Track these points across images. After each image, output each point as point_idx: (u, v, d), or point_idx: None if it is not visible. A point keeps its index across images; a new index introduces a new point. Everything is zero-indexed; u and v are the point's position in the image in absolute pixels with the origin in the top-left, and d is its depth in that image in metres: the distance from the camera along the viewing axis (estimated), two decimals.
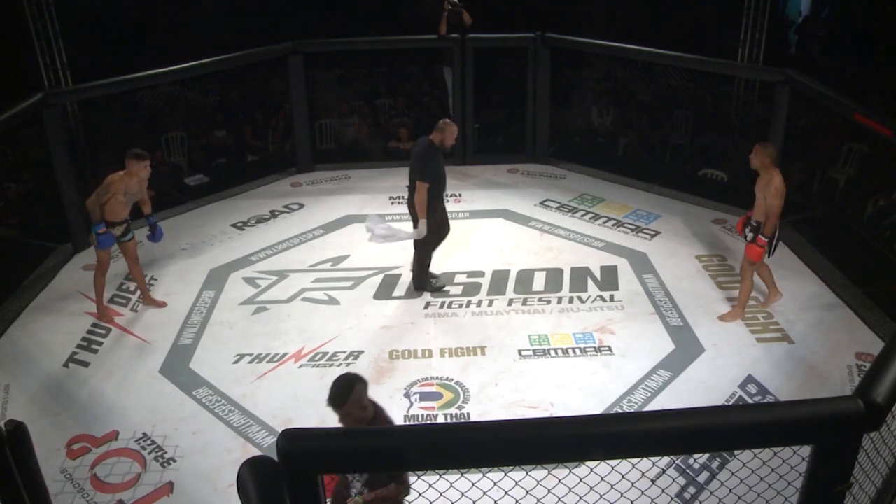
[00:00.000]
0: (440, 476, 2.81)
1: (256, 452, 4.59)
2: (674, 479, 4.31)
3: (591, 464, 2.51)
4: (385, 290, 6.64)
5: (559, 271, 6.85)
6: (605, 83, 10.70)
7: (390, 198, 8.60)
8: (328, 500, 3.18)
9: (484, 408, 5.12)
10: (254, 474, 2.08)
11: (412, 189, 6.20)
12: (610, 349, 5.74)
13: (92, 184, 6.70)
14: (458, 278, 6.78)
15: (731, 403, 5.07)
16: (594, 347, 5.77)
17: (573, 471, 2.82)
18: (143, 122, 9.77)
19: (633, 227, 7.73)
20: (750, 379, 5.36)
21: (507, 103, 10.40)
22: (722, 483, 4.17)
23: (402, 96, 11.01)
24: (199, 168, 9.64)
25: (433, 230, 6.32)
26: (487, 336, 5.94)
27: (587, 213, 8.08)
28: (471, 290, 6.60)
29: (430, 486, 2.64)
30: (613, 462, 2.55)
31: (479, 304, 6.40)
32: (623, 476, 2.68)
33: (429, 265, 6.55)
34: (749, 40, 9.23)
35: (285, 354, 5.76)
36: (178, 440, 4.88)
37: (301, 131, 9.34)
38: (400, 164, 9.62)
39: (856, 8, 11.30)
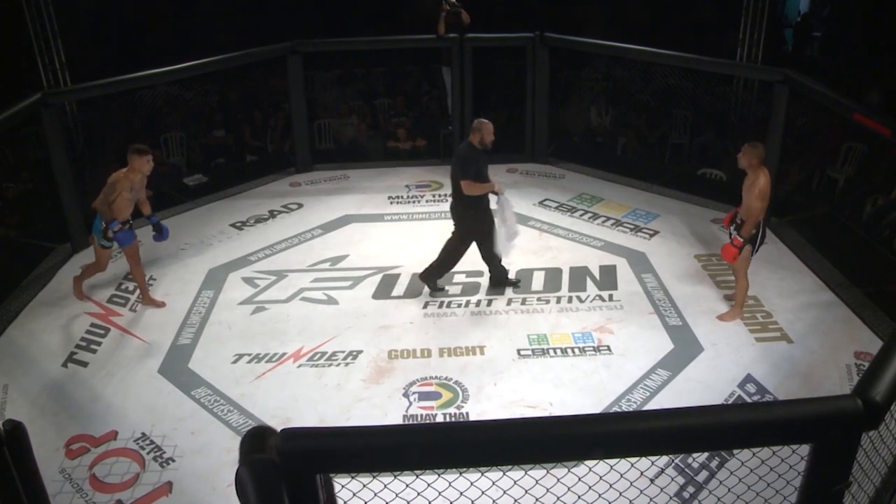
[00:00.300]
0: (439, 475, 2.81)
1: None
2: (672, 479, 4.31)
3: (590, 463, 2.51)
4: (384, 290, 6.64)
5: (558, 271, 6.85)
6: (604, 83, 10.70)
7: (389, 197, 8.60)
8: None
9: (483, 407, 5.12)
10: (252, 474, 2.07)
11: (455, 194, 6.20)
12: (609, 349, 5.74)
13: (91, 184, 6.70)
14: (456, 278, 6.77)
15: (729, 403, 5.07)
16: (593, 347, 5.77)
17: (572, 470, 2.82)
18: (141, 121, 9.76)
19: (631, 226, 7.73)
20: (749, 378, 5.36)
21: (506, 103, 10.39)
22: (721, 482, 4.17)
23: (400, 96, 11.01)
24: (198, 168, 9.63)
25: (476, 232, 6.29)
26: (486, 336, 5.94)
27: (586, 212, 8.08)
28: (470, 289, 6.60)
29: (428, 485, 2.63)
30: (612, 461, 2.55)
31: (478, 303, 6.40)
32: (622, 475, 2.68)
33: (453, 265, 6.48)
34: (748, 40, 9.24)
35: (284, 354, 5.76)
36: (177, 440, 4.88)
37: (300, 131, 9.35)
38: (399, 163, 9.67)
39: (856, 7, 11.30)
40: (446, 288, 6.58)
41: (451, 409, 5.13)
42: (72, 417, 5.10)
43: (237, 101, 10.70)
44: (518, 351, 5.74)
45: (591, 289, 6.56)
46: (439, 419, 5.03)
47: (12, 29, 8.85)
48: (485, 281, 6.69)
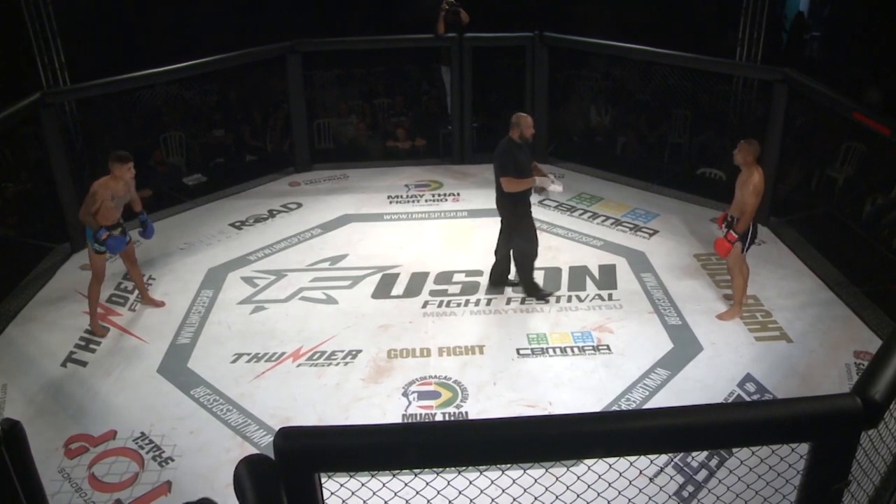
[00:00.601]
0: (437, 474, 2.80)
1: (254, 451, 4.59)
2: (672, 477, 4.31)
3: (589, 462, 2.51)
4: (383, 289, 6.63)
5: (557, 270, 6.84)
6: (604, 82, 10.70)
7: (388, 197, 8.60)
8: None
9: (482, 407, 5.12)
10: (250, 473, 2.07)
11: (499, 189, 6.17)
12: (608, 348, 5.73)
13: (90, 184, 6.68)
14: (456, 277, 6.77)
15: (729, 402, 5.06)
16: (592, 346, 5.76)
17: (571, 469, 2.82)
18: (141, 121, 9.76)
19: (631, 225, 7.73)
20: (748, 377, 5.36)
21: (505, 102, 10.38)
22: (720, 481, 4.19)
23: (400, 96, 11.00)
24: (198, 168, 9.63)
25: (530, 236, 6.26)
26: (486, 335, 5.93)
27: (585, 211, 8.08)
28: (469, 289, 6.59)
29: (427, 484, 2.63)
30: (611, 460, 2.55)
31: (477, 303, 6.39)
32: (621, 474, 2.68)
33: (533, 271, 6.43)
34: (747, 39, 9.23)
35: (283, 354, 5.75)
36: (176, 439, 4.87)
37: (299, 131, 9.35)
38: (398, 163, 9.67)
39: (856, 7, 11.30)
40: (551, 290, 6.49)
41: (451, 409, 5.12)
42: (71, 417, 5.10)
43: (236, 101, 10.69)
44: (517, 350, 5.74)
45: (591, 288, 6.56)
46: (438, 418, 5.02)
47: (11, 29, 8.83)
48: (484, 280, 6.69)
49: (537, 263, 6.53)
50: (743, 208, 5.64)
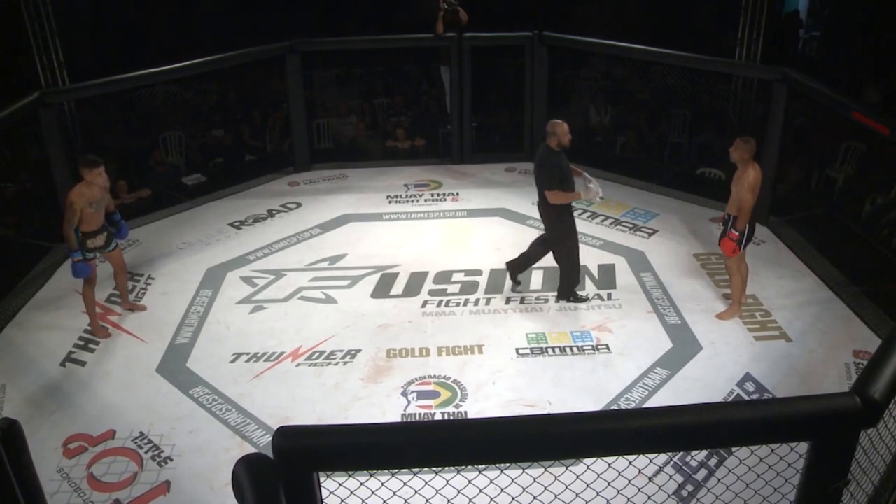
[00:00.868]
0: (436, 474, 2.80)
1: (253, 451, 4.58)
2: (671, 477, 4.30)
3: (588, 461, 2.50)
4: (382, 289, 6.63)
5: (557, 270, 6.83)
6: (603, 82, 10.70)
7: (387, 196, 8.60)
8: None
9: (481, 406, 5.12)
10: (249, 472, 2.06)
11: (542, 198, 6.13)
12: (608, 347, 5.73)
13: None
14: (455, 277, 6.77)
15: (728, 401, 5.06)
16: (592, 346, 5.76)
17: (570, 468, 2.82)
18: (140, 121, 9.76)
19: (630, 225, 7.73)
20: (748, 377, 5.35)
21: (504, 102, 10.39)
22: (719, 480, 4.19)
23: (399, 95, 11.00)
24: (197, 167, 9.62)
25: (565, 236, 6.21)
26: (485, 334, 5.93)
27: (585, 211, 8.07)
28: (468, 288, 6.59)
29: (426, 483, 2.63)
30: (610, 459, 2.55)
31: (476, 302, 6.39)
32: (620, 473, 2.68)
33: (578, 273, 6.36)
34: (747, 39, 9.24)
35: (282, 353, 5.75)
36: (175, 439, 4.87)
37: (298, 130, 9.34)
38: (397, 163, 9.66)
39: (856, 6, 11.30)
40: (587, 295, 6.43)
41: (450, 408, 5.12)
42: (70, 417, 5.09)
43: (236, 101, 10.69)
44: (517, 350, 5.73)
45: (590, 288, 6.56)
46: (437, 418, 5.02)
47: (10, 28, 8.83)
48: (483, 280, 6.69)
49: (538, 263, 6.54)
50: (740, 205, 5.65)
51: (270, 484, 2.01)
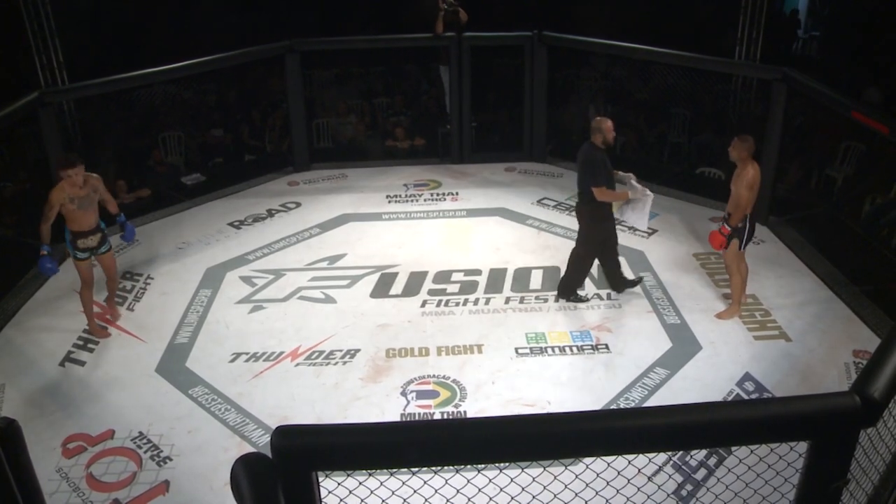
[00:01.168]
0: (435, 473, 2.80)
1: (252, 451, 4.58)
2: (670, 476, 4.30)
3: (588, 460, 2.50)
4: (382, 289, 6.63)
5: (556, 269, 6.83)
6: (603, 82, 10.69)
7: (387, 196, 8.59)
8: None
9: (481, 406, 5.11)
10: (247, 472, 2.06)
11: (583, 196, 6.07)
12: (607, 347, 5.73)
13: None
14: (455, 276, 6.77)
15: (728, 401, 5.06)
16: (591, 345, 5.76)
17: (569, 467, 2.81)
18: (139, 121, 9.76)
19: (630, 225, 7.70)
20: (747, 377, 5.35)
21: (504, 102, 10.39)
22: (719, 479, 4.19)
23: (399, 95, 11.00)
24: (196, 167, 9.62)
25: (598, 242, 6.18)
26: (484, 334, 5.92)
27: None
28: (468, 288, 6.59)
29: (425, 482, 2.63)
30: (610, 458, 2.54)
31: (476, 302, 6.39)
32: (619, 472, 2.67)
33: (584, 278, 6.35)
34: (746, 38, 9.24)
35: (282, 353, 5.74)
36: (174, 439, 4.86)
37: (298, 130, 9.34)
38: (397, 162, 9.66)
39: (856, 6, 11.31)
40: (587, 295, 6.40)
41: (449, 408, 5.12)
42: (69, 416, 5.09)
43: (235, 101, 10.69)
44: (516, 349, 5.73)
45: (590, 287, 6.55)
46: (437, 417, 5.02)
47: (10, 28, 8.83)
48: (483, 279, 6.68)
49: (534, 262, 6.53)
50: (737, 202, 5.65)
51: (269, 483, 2.01)
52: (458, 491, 2.71)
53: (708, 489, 4.23)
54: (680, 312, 6.14)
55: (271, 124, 10.31)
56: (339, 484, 2.33)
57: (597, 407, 5.05)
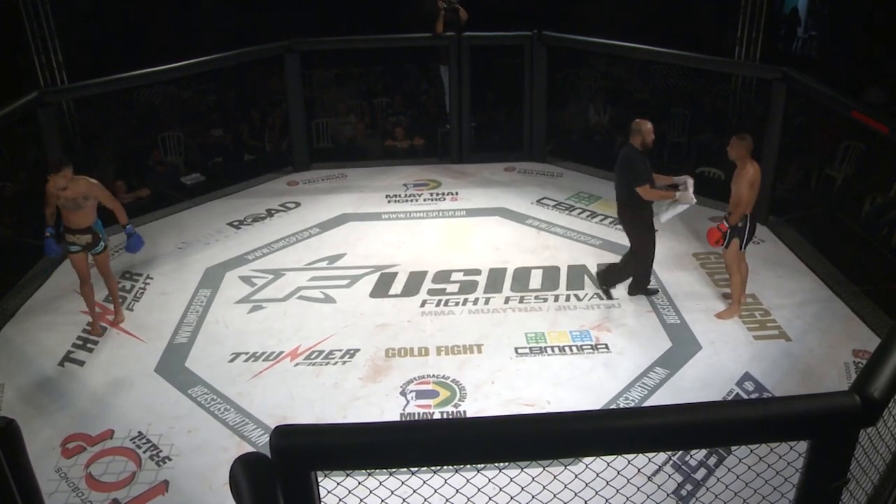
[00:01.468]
0: (434, 473, 2.80)
1: (252, 451, 4.57)
2: (670, 476, 4.29)
3: (587, 460, 2.50)
4: (381, 289, 6.62)
5: (556, 269, 6.84)
6: (603, 81, 10.69)
7: (386, 196, 8.59)
8: None
9: (480, 406, 5.11)
10: (246, 471, 2.06)
11: (624, 201, 6.00)
12: (607, 347, 5.72)
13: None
14: (454, 276, 6.76)
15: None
16: (591, 345, 5.75)
17: (569, 467, 2.81)
18: (139, 121, 9.75)
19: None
20: (747, 376, 5.35)
21: (503, 102, 10.39)
22: (718, 479, 4.18)
23: (398, 95, 10.99)
24: (196, 167, 9.62)
25: (649, 242, 6.13)
26: (484, 334, 5.92)
27: (584, 210, 8.08)
28: (467, 287, 6.58)
29: (424, 482, 2.62)
30: (609, 458, 2.54)
31: (475, 301, 6.38)
32: (619, 472, 2.67)
33: (649, 270, 6.29)
34: (746, 38, 9.23)
35: (281, 353, 5.74)
36: (174, 439, 4.86)
37: (298, 130, 9.34)
38: (396, 162, 9.66)
39: (855, 5, 11.31)
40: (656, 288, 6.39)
41: (449, 408, 5.11)
42: (68, 416, 5.09)
43: (235, 100, 10.68)
44: (516, 349, 5.73)
45: (589, 287, 6.55)
46: (436, 417, 5.01)
47: (9, 27, 8.83)
48: (482, 279, 6.68)
49: (534, 262, 6.53)
50: (737, 201, 5.64)
51: (268, 483, 2.01)
52: (457, 491, 2.70)
53: (708, 489, 4.23)
54: (680, 312, 6.14)
55: (271, 124, 10.30)
56: (338, 484, 2.32)
57: (596, 407, 5.04)
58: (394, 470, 2.25)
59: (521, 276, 6.73)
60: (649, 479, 3.70)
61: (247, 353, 5.75)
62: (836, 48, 11.51)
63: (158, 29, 10.56)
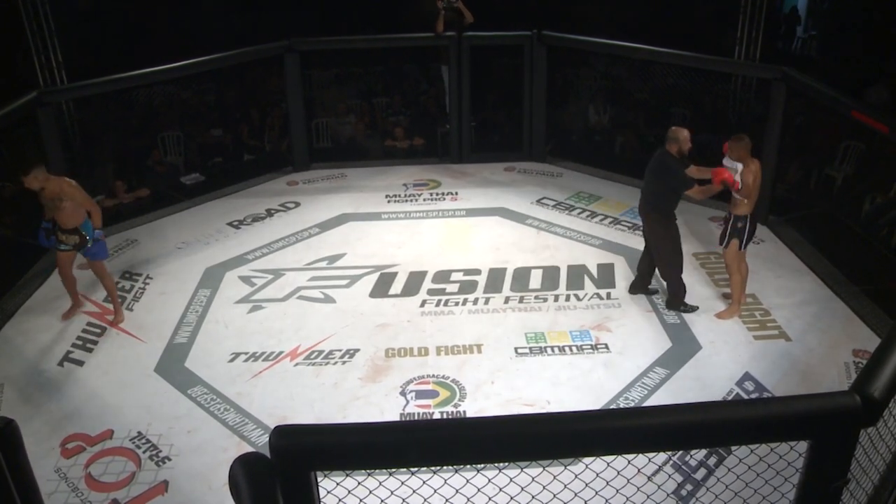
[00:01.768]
0: (434, 473, 2.79)
1: (251, 451, 4.57)
2: (670, 476, 4.29)
3: (587, 460, 2.50)
4: (381, 288, 6.62)
5: (556, 269, 6.83)
6: (602, 81, 10.68)
7: (386, 196, 8.58)
8: None
9: (480, 406, 5.11)
10: (246, 471, 2.05)
11: (655, 204, 5.95)
12: (607, 347, 5.72)
13: (87, 183, 6.67)
14: (454, 276, 6.76)
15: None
16: (591, 345, 5.75)
17: (569, 467, 2.81)
18: (138, 121, 9.74)
19: (629, 224, 7.71)
20: (747, 376, 5.35)
21: (503, 101, 10.38)
22: (718, 479, 4.18)
23: (398, 95, 10.99)
24: (196, 167, 9.61)
25: (679, 250, 6.05)
26: (484, 334, 5.92)
27: (584, 210, 8.07)
28: (467, 287, 6.58)
29: (424, 482, 2.62)
30: (609, 458, 2.54)
31: (475, 301, 6.38)
32: (619, 472, 2.67)
33: (684, 286, 6.16)
34: (746, 38, 9.23)
35: (281, 353, 5.74)
36: (173, 439, 4.86)
37: (297, 130, 9.33)
38: (396, 162, 9.66)
39: (855, 4, 11.31)
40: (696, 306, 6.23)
41: (449, 408, 5.11)
42: (67, 416, 5.08)
43: (234, 100, 10.67)
44: (515, 349, 5.72)
45: (589, 287, 6.55)
46: (436, 417, 5.01)
47: (9, 27, 8.82)
48: (482, 279, 6.68)
49: (534, 262, 6.52)
50: (747, 193, 5.61)
51: (268, 483, 2.01)
52: (457, 491, 2.70)
53: (708, 489, 4.23)
54: (680, 312, 6.13)
55: (270, 124, 10.29)
56: (337, 484, 2.32)
57: (596, 406, 5.04)
58: (393, 470, 2.25)
59: (521, 275, 6.73)
60: (649, 479, 3.70)
61: (246, 353, 5.74)
62: (836, 48, 11.50)
63: (158, 29, 10.55)
